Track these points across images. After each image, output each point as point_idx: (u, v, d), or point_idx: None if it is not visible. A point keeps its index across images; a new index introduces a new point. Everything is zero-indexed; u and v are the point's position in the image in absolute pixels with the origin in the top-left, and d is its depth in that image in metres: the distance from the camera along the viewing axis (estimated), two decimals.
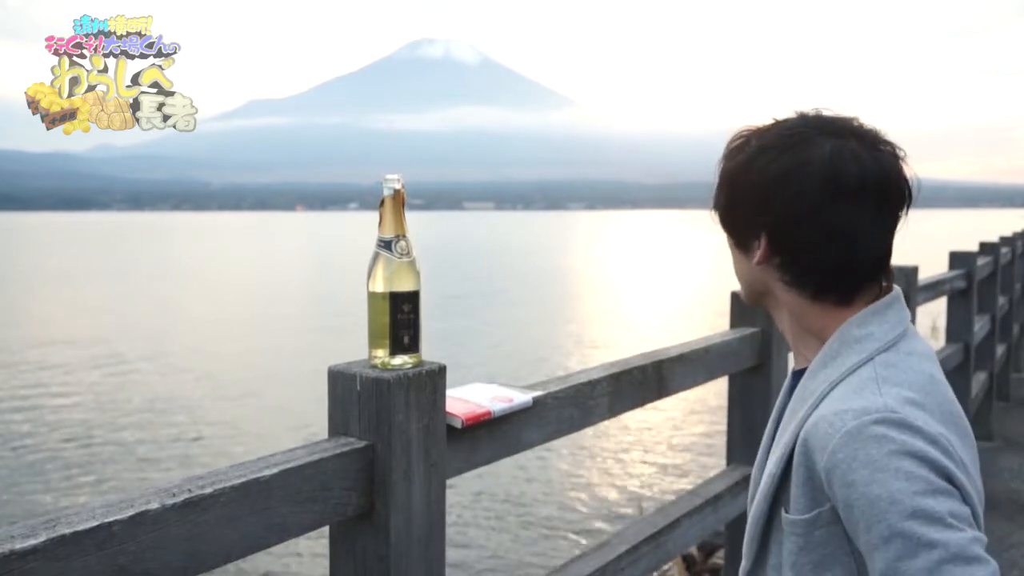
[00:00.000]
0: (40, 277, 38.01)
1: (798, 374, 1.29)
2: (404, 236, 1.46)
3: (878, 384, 1.11)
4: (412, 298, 1.46)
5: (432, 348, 1.46)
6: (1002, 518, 5.15)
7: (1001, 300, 7.73)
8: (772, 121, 1.26)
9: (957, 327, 6.01)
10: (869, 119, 1.20)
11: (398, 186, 1.46)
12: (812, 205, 1.17)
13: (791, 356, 1.41)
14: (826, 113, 1.23)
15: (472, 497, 8.02)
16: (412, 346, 1.47)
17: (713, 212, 1.29)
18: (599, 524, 7.52)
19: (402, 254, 1.45)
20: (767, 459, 1.28)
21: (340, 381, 1.46)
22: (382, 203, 1.45)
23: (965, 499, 1.02)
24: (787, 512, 1.16)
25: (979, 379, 6.52)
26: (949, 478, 1.02)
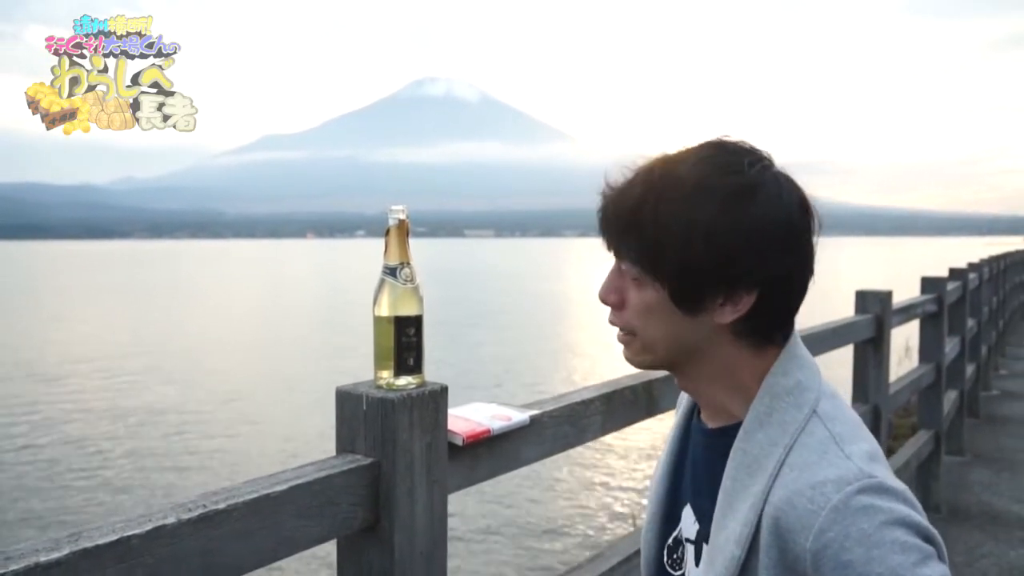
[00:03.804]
0: (67, 300, 37.93)
1: (716, 432, 1.13)
2: (408, 263, 1.45)
3: (838, 444, 0.99)
4: (416, 322, 1.46)
5: (434, 369, 1.45)
6: (974, 529, 5.13)
7: (970, 323, 7.74)
8: (695, 152, 1.05)
9: (929, 348, 6.01)
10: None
11: (403, 216, 1.46)
12: (805, 245, 1.05)
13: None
14: (737, 139, 1.07)
15: (471, 511, 7.97)
16: (416, 367, 1.46)
17: (671, 267, 1.02)
18: (594, 537, 7.47)
19: (406, 280, 1.45)
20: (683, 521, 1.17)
21: (347, 401, 1.45)
22: (387, 232, 1.45)
23: (940, 554, 0.95)
24: None
25: (950, 397, 6.52)
26: (930, 538, 0.95)
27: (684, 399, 1.27)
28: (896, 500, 0.94)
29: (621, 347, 1.13)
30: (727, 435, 1.09)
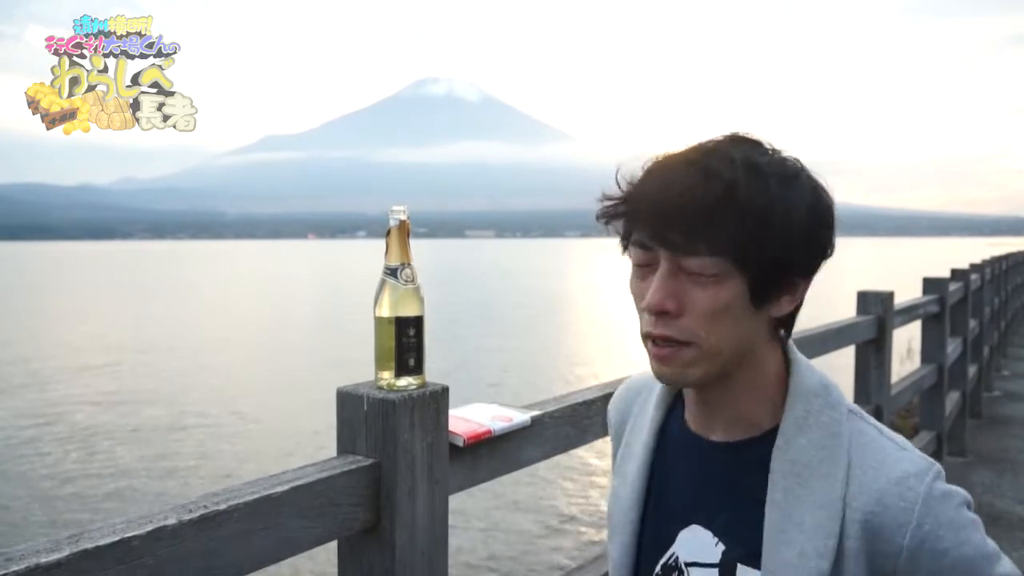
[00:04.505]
0: (68, 300, 37.96)
1: (734, 446, 1.07)
2: (409, 264, 1.45)
3: (890, 439, 1.02)
4: (416, 323, 1.46)
5: (435, 370, 1.45)
6: None
7: (972, 323, 7.73)
8: (737, 142, 1.00)
9: (931, 349, 6.01)
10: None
11: (403, 217, 1.46)
12: None
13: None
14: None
15: (472, 511, 7.97)
16: (416, 368, 1.46)
17: (771, 261, 0.96)
18: (594, 537, 7.46)
19: (407, 281, 1.45)
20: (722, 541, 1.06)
21: (348, 401, 1.45)
22: (388, 232, 1.45)
23: None
24: None
25: (952, 398, 6.51)
26: (972, 507, 1.00)
27: (649, 411, 1.19)
28: (951, 482, 0.98)
29: (657, 363, 1.02)
30: (752, 447, 1.05)
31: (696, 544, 1.08)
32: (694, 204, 0.93)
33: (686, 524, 1.10)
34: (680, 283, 0.97)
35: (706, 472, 1.09)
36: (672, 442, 1.15)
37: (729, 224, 0.93)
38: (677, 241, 0.95)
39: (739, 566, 1.04)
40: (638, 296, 1.03)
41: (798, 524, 0.98)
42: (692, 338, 0.98)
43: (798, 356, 1.07)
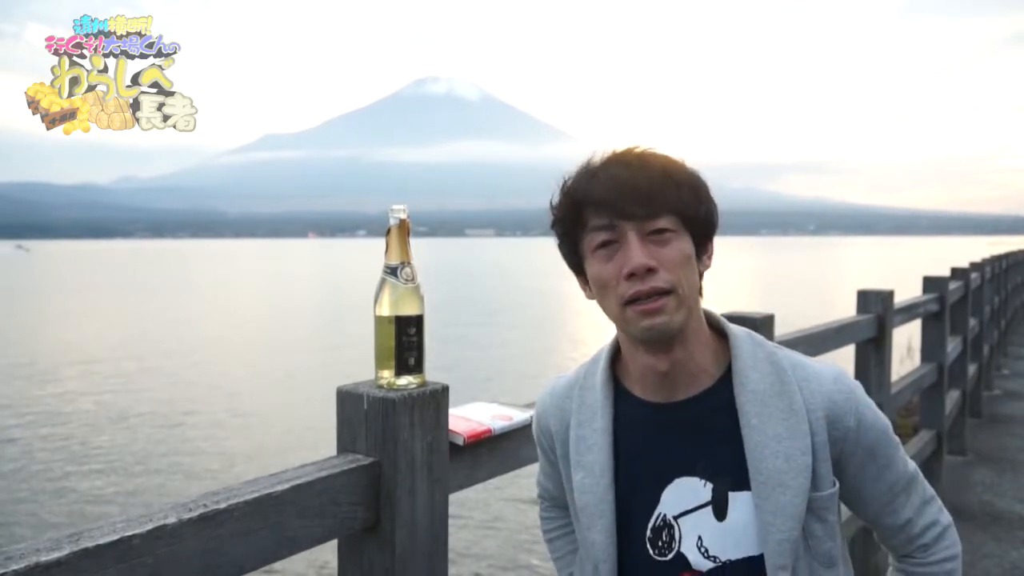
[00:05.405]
0: (69, 299, 37.98)
1: (694, 400, 1.23)
2: (409, 263, 1.45)
3: (806, 357, 1.28)
4: (416, 322, 1.46)
5: (435, 369, 1.45)
6: (976, 529, 5.12)
7: (972, 322, 7.73)
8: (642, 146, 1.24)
9: (931, 348, 6.00)
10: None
11: (403, 216, 1.46)
12: None
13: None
14: None
15: (472, 510, 7.97)
16: (417, 367, 1.46)
17: (704, 220, 1.21)
18: None
19: (407, 280, 1.45)
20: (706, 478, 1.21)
21: (348, 400, 1.45)
22: (388, 231, 1.45)
23: None
24: (820, 491, 1.19)
25: (952, 397, 6.51)
26: None
27: (596, 402, 1.30)
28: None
29: (649, 318, 1.15)
30: (714, 394, 1.23)
31: (684, 495, 1.22)
32: (645, 183, 1.16)
33: (669, 481, 1.23)
34: (649, 247, 1.16)
35: (678, 428, 1.23)
36: (629, 420, 1.27)
37: (672, 194, 1.16)
38: (639, 212, 1.15)
39: (730, 494, 1.20)
40: (611, 276, 1.17)
41: (776, 436, 1.18)
42: (673, 285, 1.16)
43: (711, 311, 1.28)
